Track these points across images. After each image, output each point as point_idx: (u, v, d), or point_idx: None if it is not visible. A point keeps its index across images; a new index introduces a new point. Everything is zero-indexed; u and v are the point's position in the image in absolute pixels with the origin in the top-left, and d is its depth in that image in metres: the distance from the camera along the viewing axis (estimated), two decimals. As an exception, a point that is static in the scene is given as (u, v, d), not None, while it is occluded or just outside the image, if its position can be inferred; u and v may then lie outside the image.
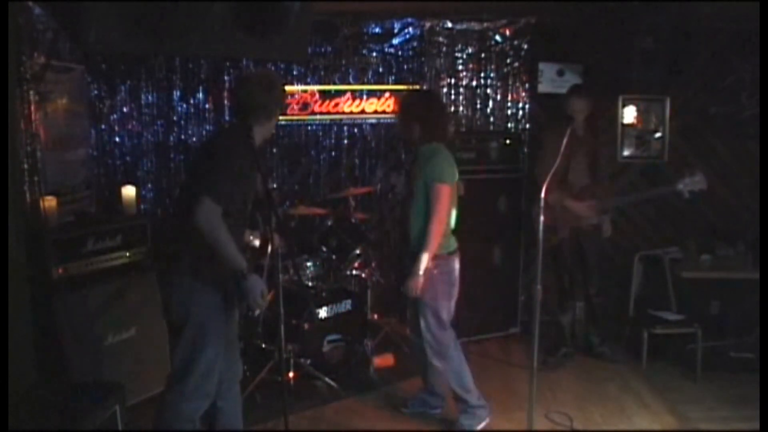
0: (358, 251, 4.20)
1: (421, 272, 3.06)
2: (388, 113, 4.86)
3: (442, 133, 3.24)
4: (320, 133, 4.91)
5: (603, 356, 4.28)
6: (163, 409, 2.62)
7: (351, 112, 4.84)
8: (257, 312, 2.57)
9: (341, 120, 4.87)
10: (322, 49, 4.75)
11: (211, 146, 2.68)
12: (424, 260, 3.05)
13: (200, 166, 2.55)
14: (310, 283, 4.03)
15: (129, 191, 3.74)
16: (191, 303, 2.54)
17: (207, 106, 4.65)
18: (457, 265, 3.22)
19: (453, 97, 4.95)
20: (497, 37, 4.88)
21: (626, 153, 4.98)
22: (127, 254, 3.49)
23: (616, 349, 4.43)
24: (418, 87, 4.84)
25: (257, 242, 3.31)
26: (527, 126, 4.99)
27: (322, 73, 4.80)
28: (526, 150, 4.85)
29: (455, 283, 3.22)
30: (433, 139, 3.18)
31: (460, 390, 3.27)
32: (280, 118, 4.66)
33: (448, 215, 3.13)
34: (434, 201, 3.05)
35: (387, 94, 4.86)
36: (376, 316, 4.53)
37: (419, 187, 3.13)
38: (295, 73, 4.76)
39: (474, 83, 4.94)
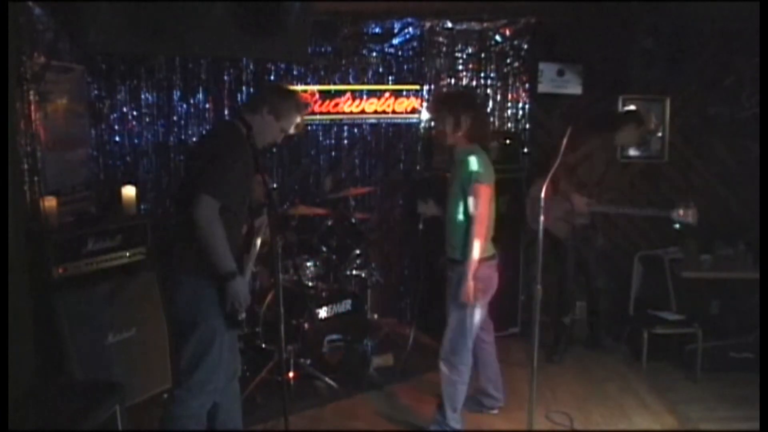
0: (358, 251, 4.20)
1: (471, 278, 2.96)
2: (388, 113, 4.87)
3: (480, 135, 3.14)
4: (320, 133, 4.91)
5: (608, 349, 4.40)
6: (171, 405, 2.65)
7: (351, 112, 4.84)
8: (241, 315, 2.62)
9: (341, 120, 4.87)
10: (322, 49, 4.75)
11: (210, 143, 2.69)
12: (473, 265, 2.96)
13: (199, 164, 2.53)
14: (310, 283, 4.03)
15: (129, 191, 3.74)
16: (198, 301, 2.56)
17: (207, 106, 4.65)
18: (491, 271, 3.11)
19: (453, 97, 4.95)
20: (497, 37, 4.88)
21: (626, 153, 4.98)
22: (127, 254, 3.48)
23: (616, 349, 4.45)
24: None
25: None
26: (527, 126, 4.99)
27: (322, 73, 4.80)
28: (526, 150, 4.85)
29: (488, 290, 3.12)
30: (471, 141, 3.10)
31: (448, 404, 3.18)
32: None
33: (490, 217, 3.05)
34: (474, 202, 2.98)
35: (387, 94, 4.86)
36: (376, 316, 4.53)
37: (456, 190, 3.07)
38: (295, 73, 4.76)
39: (474, 83, 4.94)
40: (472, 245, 2.96)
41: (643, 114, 4.27)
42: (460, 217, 3.06)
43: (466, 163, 3.03)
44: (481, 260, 3.02)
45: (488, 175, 3.03)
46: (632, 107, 4.70)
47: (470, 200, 2.99)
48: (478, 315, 3.12)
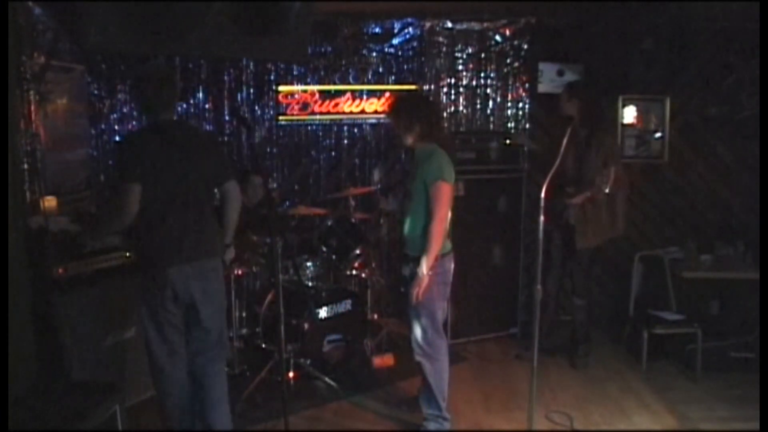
0: (358, 251, 4.20)
1: (424, 275, 2.99)
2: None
3: (437, 133, 3.20)
4: (320, 133, 4.92)
5: (577, 367, 4.17)
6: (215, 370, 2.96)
7: (351, 112, 4.84)
8: None
9: (341, 120, 4.87)
10: (322, 49, 4.75)
11: (209, 138, 3.22)
12: (429, 262, 2.99)
13: (211, 156, 2.86)
14: (310, 283, 4.03)
15: (129, 191, 3.73)
16: (221, 282, 2.92)
17: (207, 106, 4.65)
18: (451, 265, 3.18)
19: (453, 97, 4.95)
20: (497, 37, 4.89)
21: (626, 153, 4.98)
22: (127, 254, 3.48)
23: (616, 349, 4.45)
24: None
25: None
26: (527, 126, 4.99)
27: (322, 73, 4.80)
28: (525, 150, 4.85)
29: (449, 283, 3.19)
30: (430, 139, 3.15)
31: (438, 393, 3.20)
32: (280, 118, 4.75)
33: (448, 214, 3.08)
34: (435, 199, 2.99)
35: (387, 94, 4.86)
36: (376, 316, 4.53)
37: (417, 188, 3.07)
38: (295, 73, 4.77)
39: (474, 83, 4.94)
40: (431, 242, 2.99)
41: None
42: (418, 215, 3.08)
43: (427, 162, 3.06)
44: (442, 256, 3.08)
45: (448, 173, 3.05)
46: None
47: (432, 198, 3.01)
48: (445, 306, 3.22)
